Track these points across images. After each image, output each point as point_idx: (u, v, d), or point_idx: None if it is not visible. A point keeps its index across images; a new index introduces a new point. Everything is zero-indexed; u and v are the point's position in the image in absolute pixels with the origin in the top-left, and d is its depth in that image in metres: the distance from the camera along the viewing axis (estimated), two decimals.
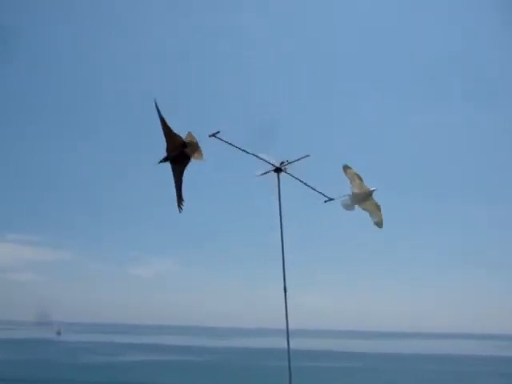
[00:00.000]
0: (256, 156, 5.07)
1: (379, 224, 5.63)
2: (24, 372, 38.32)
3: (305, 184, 5.25)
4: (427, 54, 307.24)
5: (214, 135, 4.80)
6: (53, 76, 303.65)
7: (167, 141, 4.78)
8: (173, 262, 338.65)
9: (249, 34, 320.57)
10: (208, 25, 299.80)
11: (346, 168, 5.47)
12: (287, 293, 5.00)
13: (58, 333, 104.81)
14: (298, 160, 5.11)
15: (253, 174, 5.21)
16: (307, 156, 5.07)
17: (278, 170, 5.12)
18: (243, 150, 4.99)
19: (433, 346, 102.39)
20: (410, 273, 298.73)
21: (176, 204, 4.88)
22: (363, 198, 5.54)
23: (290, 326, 4.94)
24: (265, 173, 5.16)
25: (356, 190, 5.52)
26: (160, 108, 4.60)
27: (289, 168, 5.14)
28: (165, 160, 4.86)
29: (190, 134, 4.84)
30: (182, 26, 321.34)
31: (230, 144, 4.91)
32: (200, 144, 4.82)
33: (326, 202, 5.41)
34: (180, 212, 4.84)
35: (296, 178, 5.15)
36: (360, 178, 5.47)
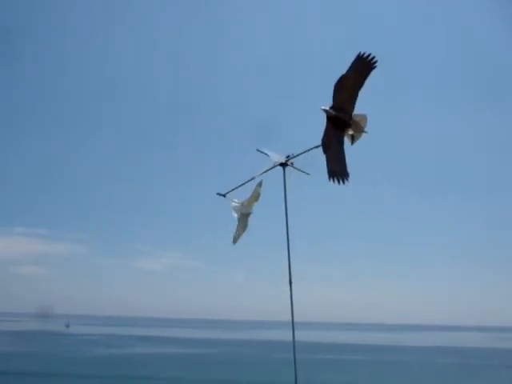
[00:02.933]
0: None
1: (235, 239, 5.41)
2: (35, 365, 38.56)
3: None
4: (429, 55, 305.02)
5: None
6: (54, 76, 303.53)
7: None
8: (181, 257, 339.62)
9: (250, 33, 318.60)
10: (208, 24, 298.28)
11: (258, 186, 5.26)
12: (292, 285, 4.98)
13: (67, 325, 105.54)
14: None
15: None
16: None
17: (283, 165, 5.04)
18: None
19: (442, 338, 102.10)
20: (419, 268, 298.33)
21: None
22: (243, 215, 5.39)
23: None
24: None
25: (245, 205, 5.37)
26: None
27: (295, 162, 5.03)
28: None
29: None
30: (182, 25, 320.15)
31: None
32: None
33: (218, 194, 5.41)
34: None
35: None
36: (257, 199, 5.31)
